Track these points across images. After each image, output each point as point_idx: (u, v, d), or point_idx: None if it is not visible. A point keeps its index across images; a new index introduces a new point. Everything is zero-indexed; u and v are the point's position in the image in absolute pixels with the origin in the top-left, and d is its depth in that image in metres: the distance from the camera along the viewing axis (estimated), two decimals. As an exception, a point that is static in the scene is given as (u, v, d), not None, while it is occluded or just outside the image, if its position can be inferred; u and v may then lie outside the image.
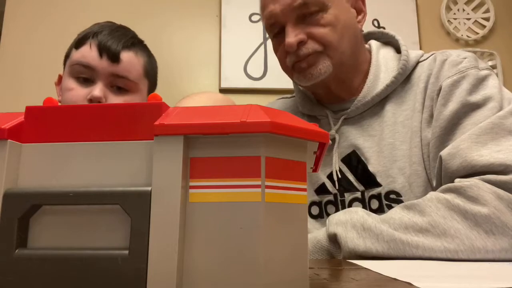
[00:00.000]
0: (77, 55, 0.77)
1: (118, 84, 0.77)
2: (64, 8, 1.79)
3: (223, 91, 1.78)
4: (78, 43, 0.79)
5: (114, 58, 0.76)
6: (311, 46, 0.67)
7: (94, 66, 0.76)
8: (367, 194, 0.69)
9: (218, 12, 1.84)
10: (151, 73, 0.85)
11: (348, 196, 0.71)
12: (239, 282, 0.24)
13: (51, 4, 1.79)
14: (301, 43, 0.67)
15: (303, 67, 0.69)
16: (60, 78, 0.85)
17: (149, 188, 0.25)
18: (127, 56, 0.78)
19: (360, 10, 0.73)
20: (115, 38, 0.77)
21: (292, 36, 0.67)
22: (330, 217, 0.58)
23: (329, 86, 0.73)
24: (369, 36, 0.81)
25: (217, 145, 0.26)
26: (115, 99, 0.77)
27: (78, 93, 0.76)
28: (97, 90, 0.74)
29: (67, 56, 0.83)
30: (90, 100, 0.74)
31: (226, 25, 1.81)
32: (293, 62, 0.70)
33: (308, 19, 0.67)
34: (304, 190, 0.28)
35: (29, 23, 1.75)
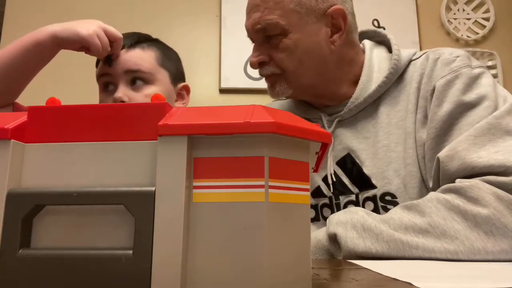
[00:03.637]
0: (97, 71, 0.84)
1: (135, 80, 0.83)
2: (64, 8, 1.79)
3: (223, 91, 1.78)
4: (97, 61, 0.86)
5: (118, 59, 0.82)
6: (271, 68, 0.70)
7: (109, 72, 0.81)
8: (361, 197, 0.69)
9: (218, 12, 1.84)
10: (167, 62, 0.89)
11: (343, 199, 0.71)
12: (243, 281, 0.24)
13: (51, 4, 1.79)
14: (262, 63, 0.70)
15: (267, 85, 0.73)
16: None
17: (153, 188, 0.25)
18: (132, 53, 0.83)
19: (338, 28, 0.70)
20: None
21: (255, 56, 0.70)
22: (331, 217, 0.58)
23: (309, 99, 0.75)
24: (362, 36, 0.80)
25: (221, 145, 0.26)
26: (137, 95, 0.82)
27: (106, 101, 0.82)
28: (118, 91, 0.80)
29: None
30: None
31: (226, 25, 1.81)
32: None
33: (271, 40, 0.69)
34: (307, 190, 0.28)
35: (29, 23, 1.75)
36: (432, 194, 0.55)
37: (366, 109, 0.72)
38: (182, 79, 0.94)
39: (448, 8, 1.94)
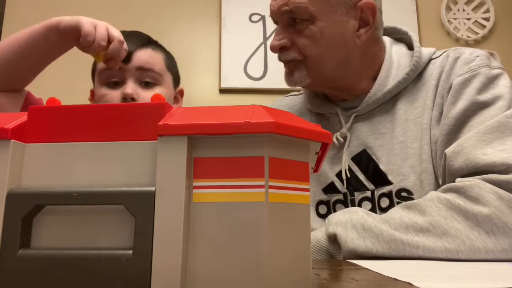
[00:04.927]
0: (100, 64, 0.83)
1: (146, 79, 0.83)
2: (64, 8, 1.79)
3: (223, 91, 1.78)
4: None
5: (131, 56, 0.82)
6: (292, 54, 0.68)
7: (120, 67, 0.80)
8: (377, 193, 0.69)
9: (218, 12, 1.84)
10: (171, 67, 0.91)
11: (358, 195, 0.71)
12: (243, 281, 0.24)
13: (51, 5, 1.79)
14: (283, 48, 0.68)
15: (285, 71, 0.71)
16: (92, 93, 0.91)
17: (153, 188, 0.25)
18: (146, 52, 0.84)
19: (366, 22, 0.69)
20: (132, 41, 0.83)
21: (276, 39, 0.68)
22: (330, 216, 0.58)
23: (326, 91, 0.73)
24: None
25: (221, 145, 0.26)
26: (145, 94, 0.82)
27: (112, 97, 0.81)
28: (128, 87, 0.80)
29: (93, 70, 0.89)
30: (124, 99, 0.80)
31: (226, 25, 1.81)
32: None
33: (296, 25, 0.67)
34: (307, 190, 0.28)
35: (29, 23, 1.75)
36: (432, 194, 0.55)
37: (383, 105, 0.71)
38: (179, 82, 0.96)
39: (448, 8, 1.94)
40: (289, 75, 0.70)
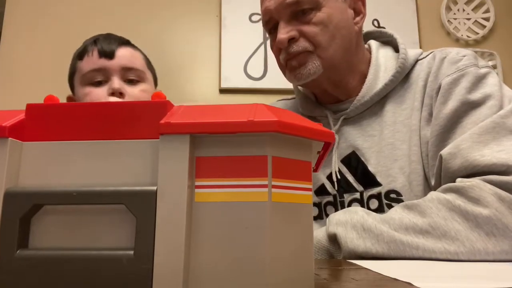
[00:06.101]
0: (85, 64, 0.83)
1: (130, 77, 0.84)
2: (63, 8, 1.78)
3: (223, 91, 1.78)
4: (81, 55, 0.85)
5: (115, 53, 0.83)
6: (302, 44, 0.68)
7: (105, 66, 0.82)
8: (366, 195, 0.69)
9: (218, 12, 1.83)
10: (150, 66, 0.92)
11: (347, 197, 0.71)
12: (245, 281, 0.24)
13: (50, 5, 1.79)
14: (292, 40, 0.68)
15: (293, 66, 0.69)
16: (69, 99, 0.91)
17: (155, 188, 0.25)
18: (127, 50, 0.85)
19: (359, 11, 0.72)
20: (112, 39, 0.86)
21: (284, 33, 0.68)
22: (330, 216, 0.58)
23: (323, 87, 0.74)
24: (368, 36, 0.81)
25: (224, 144, 0.25)
26: (131, 90, 0.83)
27: (97, 93, 0.81)
28: (115, 82, 0.80)
29: (72, 73, 0.89)
30: (112, 94, 0.81)
31: (226, 25, 1.80)
32: (285, 59, 0.70)
33: (301, 17, 0.68)
34: (310, 190, 0.27)
35: (29, 23, 1.74)
36: (432, 194, 0.55)
37: (371, 108, 0.72)
38: (156, 82, 0.97)
39: (448, 8, 1.94)
40: (300, 68, 0.69)
